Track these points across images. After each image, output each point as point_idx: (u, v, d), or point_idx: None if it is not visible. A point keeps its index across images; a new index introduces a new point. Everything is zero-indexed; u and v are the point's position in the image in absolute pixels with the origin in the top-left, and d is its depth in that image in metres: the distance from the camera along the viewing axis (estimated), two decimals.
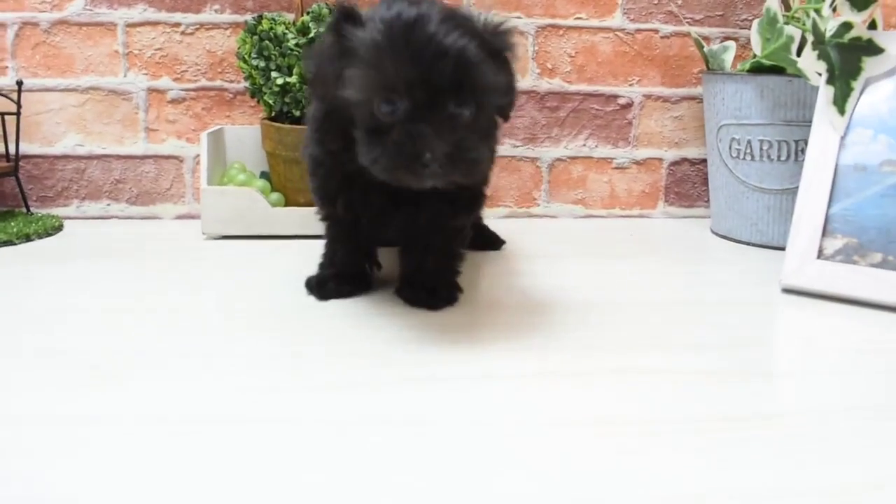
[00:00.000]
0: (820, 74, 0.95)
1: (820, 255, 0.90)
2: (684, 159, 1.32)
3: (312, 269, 0.88)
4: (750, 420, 0.59)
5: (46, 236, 1.10)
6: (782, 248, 0.96)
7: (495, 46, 0.70)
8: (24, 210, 1.18)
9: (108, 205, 1.23)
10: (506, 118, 0.77)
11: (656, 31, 1.28)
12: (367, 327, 0.76)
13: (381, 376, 0.65)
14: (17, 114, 1.15)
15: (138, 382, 0.63)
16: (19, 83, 1.15)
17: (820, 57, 0.95)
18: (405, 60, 0.64)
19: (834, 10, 0.98)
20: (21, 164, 1.18)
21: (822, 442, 0.56)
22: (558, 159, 1.29)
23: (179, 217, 1.24)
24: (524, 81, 1.26)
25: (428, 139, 0.64)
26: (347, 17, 0.70)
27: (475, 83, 0.66)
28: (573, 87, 1.27)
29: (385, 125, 0.66)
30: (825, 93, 0.94)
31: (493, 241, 1.08)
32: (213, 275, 0.94)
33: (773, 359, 0.74)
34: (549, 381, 0.65)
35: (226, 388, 0.62)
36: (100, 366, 0.66)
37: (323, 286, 0.85)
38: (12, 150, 1.16)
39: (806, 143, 0.99)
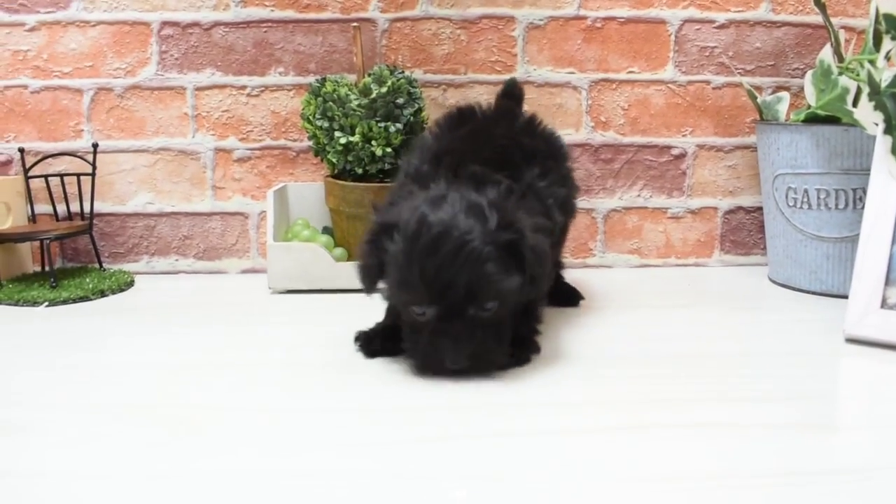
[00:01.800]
0: (877, 124, 0.96)
1: (883, 304, 0.90)
2: (739, 207, 1.33)
3: (376, 321, 0.90)
4: (818, 475, 0.59)
5: (119, 292, 1.15)
6: (843, 297, 0.96)
7: (507, 240, 0.75)
8: (97, 266, 1.23)
9: (177, 260, 1.28)
10: (539, 287, 0.80)
11: (708, 82, 1.29)
12: (435, 381, 0.78)
13: (454, 431, 0.66)
14: (93, 174, 1.21)
15: (211, 438, 0.65)
16: (94, 145, 1.21)
17: (876, 107, 0.95)
18: (426, 279, 0.73)
19: (888, 59, 0.99)
20: (94, 221, 1.24)
21: (892, 498, 0.56)
22: (613, 210, 1.31)
23: (244, 271, 1.28)
24: (578, 135, 1.28)
25: (449, 349, 0.74)
26: (383, 232, 0.77)
27: (488, 290, 0.74)
28: (627, 140, 1.29)
29: (420, 324, 0.76)
30: (883, 143, 0.94)
31: (570, 297, 1.08)
32: (281, 329, 0.97)
33: (841, 411, 0.74)
34: (614, 436, 0.66)
35: (300, 443, 0.64)
36: (174, 421, 0.68)
37: (369, 344, 0.86)
38: (87, 209, 1.22)
39: (864, 192, 0.99)
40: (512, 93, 1.05)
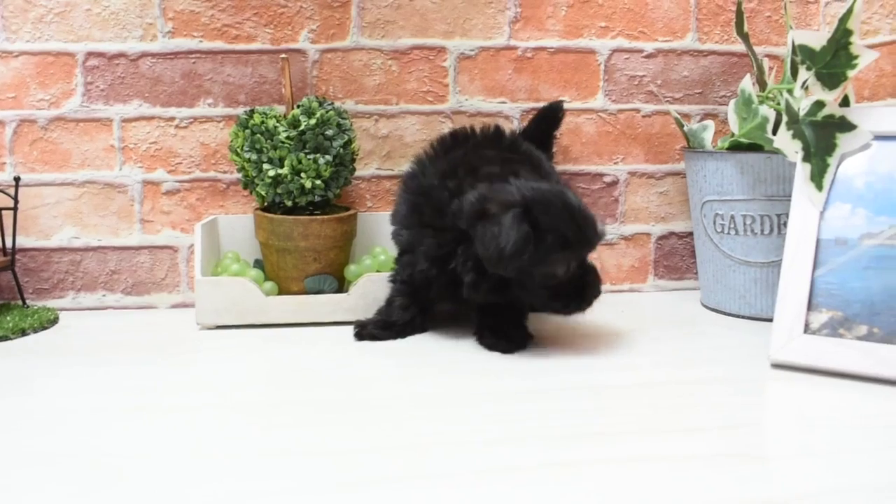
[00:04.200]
0: (797, 152, 0.98)
1: (806, 329, 0.92)
2: (671, 233, 1.35)
3: (307, 356, 0.89)
4: None
5: (42, 330, 1.11)
6: (771, 320, 0.97)
7: None
8: (20, 303, 1.19)
9: (104, 295, 1.24)
10: None
11: (638, 110, 1.31)
12: (362, 420, 0.77)
13: (384, 472, 0.65)
14: (14, 209, 1.17)
15: (138, 489, 0.63)
16: (17, 179, 1.17)
17: (795, 135, 0.98)
18: (586, 243, 0.93)
19: (806, 89, 1.01)
20: (17, 257, 1.20)
21: None
22: None
23: (174, 306, 1.25)
24: None
25: (595, 285, 0.96)
26: (529, 207, 0.90)
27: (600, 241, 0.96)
28: (559, 168, 1.30)
29: (558, 279, 0.93)
30: (802, 170, 0.97)
31: None
32: (209, 367, 0.95)
33: (769, 439, 0.75)
34: (537, 474, 0.65)
35: (233, 491, 0.62)
36: (99, 469, 0.66)
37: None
38: (9, 244, 1.18)
39: (788, 217, 1.01)
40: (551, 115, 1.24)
